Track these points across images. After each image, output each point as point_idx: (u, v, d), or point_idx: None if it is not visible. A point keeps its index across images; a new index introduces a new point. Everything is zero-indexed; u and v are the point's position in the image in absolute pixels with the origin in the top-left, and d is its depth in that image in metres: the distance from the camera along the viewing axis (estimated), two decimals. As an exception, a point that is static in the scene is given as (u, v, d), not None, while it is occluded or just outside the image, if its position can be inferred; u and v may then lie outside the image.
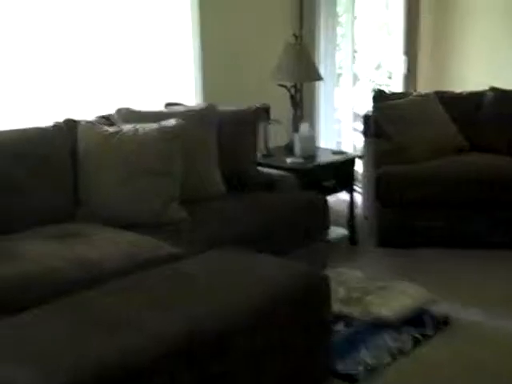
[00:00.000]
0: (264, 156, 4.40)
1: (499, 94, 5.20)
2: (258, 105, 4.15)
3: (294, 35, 4.74)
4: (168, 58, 4.33)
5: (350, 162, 4.61)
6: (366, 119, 5.28)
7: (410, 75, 6.47)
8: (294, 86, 4.63)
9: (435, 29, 6.58)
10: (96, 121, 3.55)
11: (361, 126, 5.35)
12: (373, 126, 5.11)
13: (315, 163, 4.36)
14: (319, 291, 2.76)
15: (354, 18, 5.92)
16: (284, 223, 3.60)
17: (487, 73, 6.21)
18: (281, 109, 4.70)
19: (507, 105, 5.13)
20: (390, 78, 6.91)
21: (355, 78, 6.17)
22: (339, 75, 5.94)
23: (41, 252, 2.81)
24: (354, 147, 6.02)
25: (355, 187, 4.89)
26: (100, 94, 3.96)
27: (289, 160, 4.28)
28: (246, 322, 2.40)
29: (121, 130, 3.42)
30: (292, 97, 4.63)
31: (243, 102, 4.32)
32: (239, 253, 2.96)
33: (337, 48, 5.68)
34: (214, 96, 4.42)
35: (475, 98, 5.27)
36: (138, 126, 3.44)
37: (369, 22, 6.92)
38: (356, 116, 6.18)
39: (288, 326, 2.58)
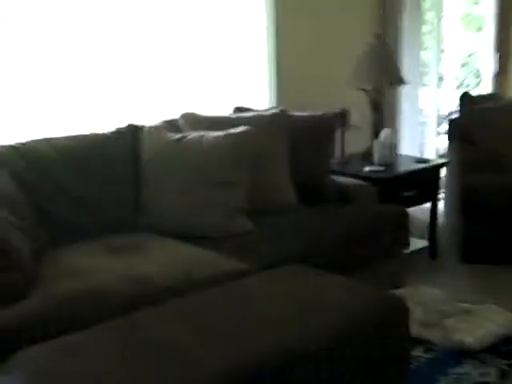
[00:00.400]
0: (340, 163, 4.14)
1: None
2: (336, 110, 3.89)
3: (376, 35, 4.45)
4: (240, 58, 4.09)
5: (434, 170, 4.27)
6: (452, 123, 4.95)
7: (501, 74, 6.05)
8: (375, 90, 4.34)
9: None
10: (160, 126, 3.38)
11: (445, 128, 5.01)
12: (459, 130, 4.77)
13: (395, 172, 4.06)
14: (395, 319, 2.48)
15: (441, 15, 5.54)
16: (360, 239, 3.32)
17: None
18: (360, 113, 4.42)
19: None
20: (477, 77, 6.51)
21: (441, 78, 5.77)
22: (424, 74, 5.57)
23: (97, 267, 2.66)
24: (438, 151, 5.66)
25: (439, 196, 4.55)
26: (166, 98, 3.78)
27: (367, 168, 4.00)
28: (314, 355, 2.14)
29: (186, 137, 3.24)
30: (372, 101, 4.34)
31: (320, 105, 4.08)
32: (309, 271, 2.71)
33: (422, 46, 5.33)
34: (289, 99, 4.20)
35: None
36: (204, 132, 3.25)
37: (456, 19, 6.54)
38: (441, 118, 5.83)
39: (364, 356, 2.32)
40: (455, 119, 4.89)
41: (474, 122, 4.64)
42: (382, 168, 4.01)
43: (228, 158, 3.18)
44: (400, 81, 4.38)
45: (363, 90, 4.31)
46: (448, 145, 4.97)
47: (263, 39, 4.19)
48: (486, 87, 6.11)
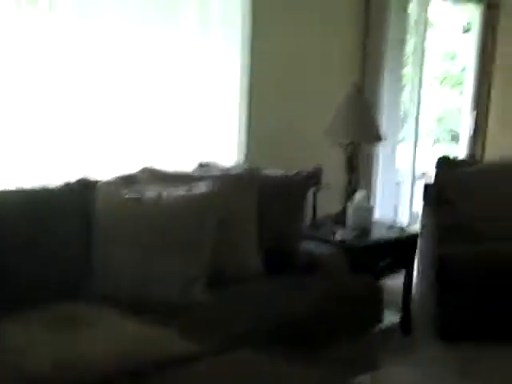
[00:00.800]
0: (311, 227, 3.85)
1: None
2: (308, 169, 3.62)
3: (355, 85, 4.20)
4: (207, 108, 3.79)
5: (410, 240, 4.00)
6: (429, 188, 4.69)
7: (478, 133, 5.87)
8: (352, 145, 4.07)
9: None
10: (116, 181, 3.07)
11: (420, 188, 4.78)
12: (435, 196, 4.52)
13: (369, 240, 3.78)
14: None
15: (422, 69, 5.32)
16: (328, 315, 3.01)
17: None
18: (334, 171, 4.15)
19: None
20: (453, 134, 6.36)
21: (417, 135, 5.53)
22: (402, 125, 5.35)
23: (29, 345, 2.31)
24: (412, 215, 5.41)
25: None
26: (124, 150, 3.46)
27: (339, 234, 3.71)
28: None
29: (143, 195, 2.93)
30: (348, 159, 4.08)
31: (292, 161, 3.83)
32: (262, 361, 2.38)
33: (401, 101, 5.10)
34: (259, 155, 3.93)
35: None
36: (164, 190, 2.94)
37: (432, 74, 6.39)
38: (416, 177, 5.60)
39: None
40: (431, 184, 4.64)
41: (451, 187, 4.41)
42: (355, 234, 3.73)
43: (189, 221, 2.87)
44: (378, 137, 4.13)
45: (339, 144, 4.05)
46: (423, 209, 4.72)
47: (234, 88, 3.91)
48: (462, 145, 5.94)
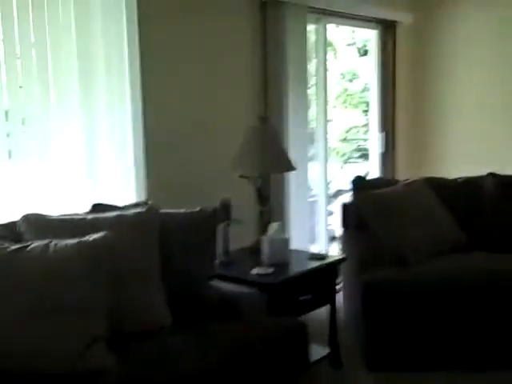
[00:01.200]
0: (222, 264, 3.53)
1: (500, 181, 4.45)
2: (216, 204, 3.32)
3: (260, 118, 3.95)
4: (98, 136, 3.45)
5: (332, 268, 3.73)
6: (346, 210, 4.50)
7: (388, 153, 5.76)
8: (261, 177, 3.81)
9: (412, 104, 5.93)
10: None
11: (335, 207, 4.55)
12: (354, 218, 4.32)
13: (288, 274, 3.47)
14: None
15: (325, 89, 5.14)
16: (246, 363, 2.69)
17: (469, 155, 5.58)
18: (245, 203, 3.88)
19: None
20: (362, 153, 6.26)
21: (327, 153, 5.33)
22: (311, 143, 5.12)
23: None
24: (329, 234, 5.19)
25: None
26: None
27: (254, 271, 3.40)
28: None
29: (25, 247, 2.53)
30: (258, 190, 3.80)
31: (198, 196, 3.54)
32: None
33: (308, 121, 4.88)
34: (160, 189, 3.60)
35: (472, 185, 4.51)
36: (51, 241, 2.55)
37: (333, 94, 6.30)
38: (329, 195, 5.41)
39: None
40: (348, 204, 4.44)
41: (368, 209, 4.19)
42: (271, 269, 3.42)
43: (82, 274, 2.48)
44: (289, 166, 3.87)
45: (247, 177, 3.77)
46: (343, 233, 4.51)
47: (127, 110, 3.57)
48: (373, 163, 5.83)
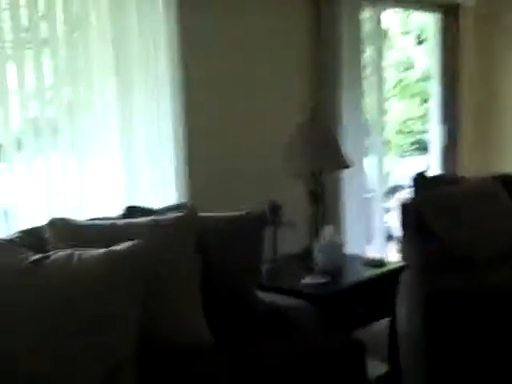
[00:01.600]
0: (270, 273, 3.20)
1: None
2: (264, 207, 3.01)
3: (312, 108, 3.62)
4: (136, 139, 3.18)
5: (392, 277, 3.37)
6: (406, 210, 4.07)
7: (451, 148, 5.35)
8: (314, 176, 3.47)
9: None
10: (14, 239, 2.40)
11: (393, 204, 4.18)
12: (416, 220, 3.91)
13: (342, 285, 3.14)
14: None
15: (383, 78, 4.75)
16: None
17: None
18: (296, 204, 3.55)
19: None
20: (421, 146, 5.85)
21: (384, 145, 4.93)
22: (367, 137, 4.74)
23: None
24: (387, 235, 4.80)
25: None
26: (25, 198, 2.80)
27: (306, 280, 3.07)
28: None
29: (46, 258, 2.25)
30: (311, 191, 3.47)
31: (245, 197, 3.22)
32: None
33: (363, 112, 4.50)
34: (204, 190, 3.30)
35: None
36: (75, 250, 2.27)
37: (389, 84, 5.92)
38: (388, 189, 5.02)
39: None
40: (409, 204, 4.03)
41: (432, 210, 3.80)
42: (324, 279, 3.09)
43: (105, 289, 2.19)
44: (344, 164, 3.53)
45: (299, 177, 3.45)
46: (403, 236, 4.10)
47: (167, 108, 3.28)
48: (433, 157, 5.42)
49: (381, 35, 4.72)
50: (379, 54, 4.68)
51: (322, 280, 3.06)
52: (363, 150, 4.45)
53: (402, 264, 3.49)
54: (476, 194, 3.88)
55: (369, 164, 4.63)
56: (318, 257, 3.21)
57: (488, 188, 3.94)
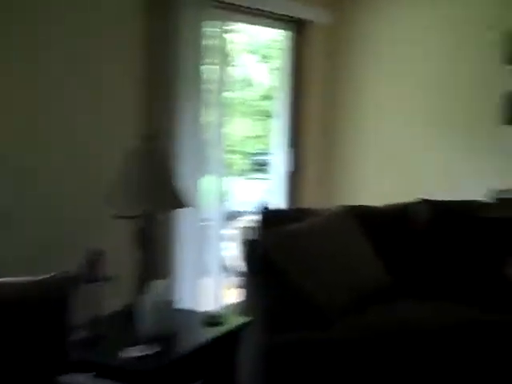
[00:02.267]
0: (87, 342, 2.61)
1: (435, 209, 3.76)
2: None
3: (145, 137, 3.09)
4: None
5: (232, 337, 2.89)
6: (250, 248, 3.55)
7: (298, 173, 5.00)
8: (144, 218, 2.94)
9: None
10: None
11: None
12: (259, 260, 3.43)
13: (173, 354, 2.59)
14: None
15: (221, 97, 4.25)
16: None
17: (393, 176, 4.89)
18: (120, 252, 3.00)
19: (452, 225, 3.69)
20: (262, 168, 5.50)
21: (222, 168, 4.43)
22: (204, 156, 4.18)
23: None
24: (222, 266, 4.29)
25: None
26: None
27: (127, 353, 2.51)
28: None
29: None
30: (139, 233, 2.94)
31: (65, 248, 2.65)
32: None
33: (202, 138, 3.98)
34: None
35: (402, 215, 3.80)
36: None
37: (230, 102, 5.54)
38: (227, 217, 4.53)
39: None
40: (252, 243, 3.54)
41: (278, 250, 3.37)
42: (151, 349, 2.54)
43: None
44: (179, 203, 3.02)
45: (125, 217, 2.91)
46: (247, 280, 3.61)
47: None
48: (275, 180, 5.05)
49: (223, 51, 4.25)
50: (221, 70, 4.21)
51: (148, 351, 2.52)
52: (200, 169, 3.93)
53: (245, 320, 3.01)
54: (327, 232, 3.51)
55: (206, 185, 4.11)
56: (145, 320, 2.67)
57: (340, 225, 3.59)
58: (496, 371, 3.23)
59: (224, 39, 4.23)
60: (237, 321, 2.97)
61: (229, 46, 4.43)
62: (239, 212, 5.15)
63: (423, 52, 4.81)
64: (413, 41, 4.85)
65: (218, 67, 4.15)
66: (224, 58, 4.22)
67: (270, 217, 3.66)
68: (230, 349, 2.88)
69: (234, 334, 2.88)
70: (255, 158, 6.07)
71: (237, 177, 5.88)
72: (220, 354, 2.82)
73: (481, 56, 4.59)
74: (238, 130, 5.82)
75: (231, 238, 4.27)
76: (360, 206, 3.79)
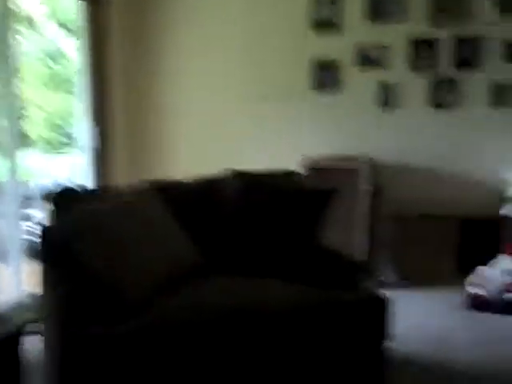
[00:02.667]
0: None
1: (244, 182, 3.58)
2: None
3: None
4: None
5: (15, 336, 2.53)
6: (47, 235, 3.17)
7: (104, 151, 4.68)
8: None
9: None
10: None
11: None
12: (56, 246, 3.06)
13: None
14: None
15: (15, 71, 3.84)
16: None
17: (202, 151, 4.71)
18: None
19: (259, 196, 3.52)
20: (70, 143, 5.11)
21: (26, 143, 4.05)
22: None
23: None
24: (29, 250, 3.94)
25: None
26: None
27: None
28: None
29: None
30: None
31: None
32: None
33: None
34: None
35: (211, 188, 3.59)
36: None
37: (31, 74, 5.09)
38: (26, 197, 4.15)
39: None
40: (50, 230, 3.17)
41: (76, 233, 3.02)
42: None
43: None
44: None
45: None
46: (43, 269, 3.21)
47: None
48: (84, 158, 4.74)
49: (14, 16, 3.82)
50: (11, 37, 3.78)
51: None
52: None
53: (29, 319, 2.66)
54: (130, 209, 3.21)
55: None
56: None
57: (145, 200, 3.31)
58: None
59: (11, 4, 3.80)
60: (22, 319, 2.61)
61: (28, 14, 4.03)
62: (43, 190, 4.75)
63: (229, 18, 4.63)
64: (218, 7, 4.65)
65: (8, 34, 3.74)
66: (14, 23, 3.80)
67: (66, 198, 3.30)
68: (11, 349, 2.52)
69: (17, 335, 2.53)
70: (63, 132, 5.65)
71: (44, 152, 5.47)
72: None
73: (289, 22, 4.47)
74: (49, 103, 5.39)
75: (33, 219, 3.90)
76: (165, 181, 3.53)
